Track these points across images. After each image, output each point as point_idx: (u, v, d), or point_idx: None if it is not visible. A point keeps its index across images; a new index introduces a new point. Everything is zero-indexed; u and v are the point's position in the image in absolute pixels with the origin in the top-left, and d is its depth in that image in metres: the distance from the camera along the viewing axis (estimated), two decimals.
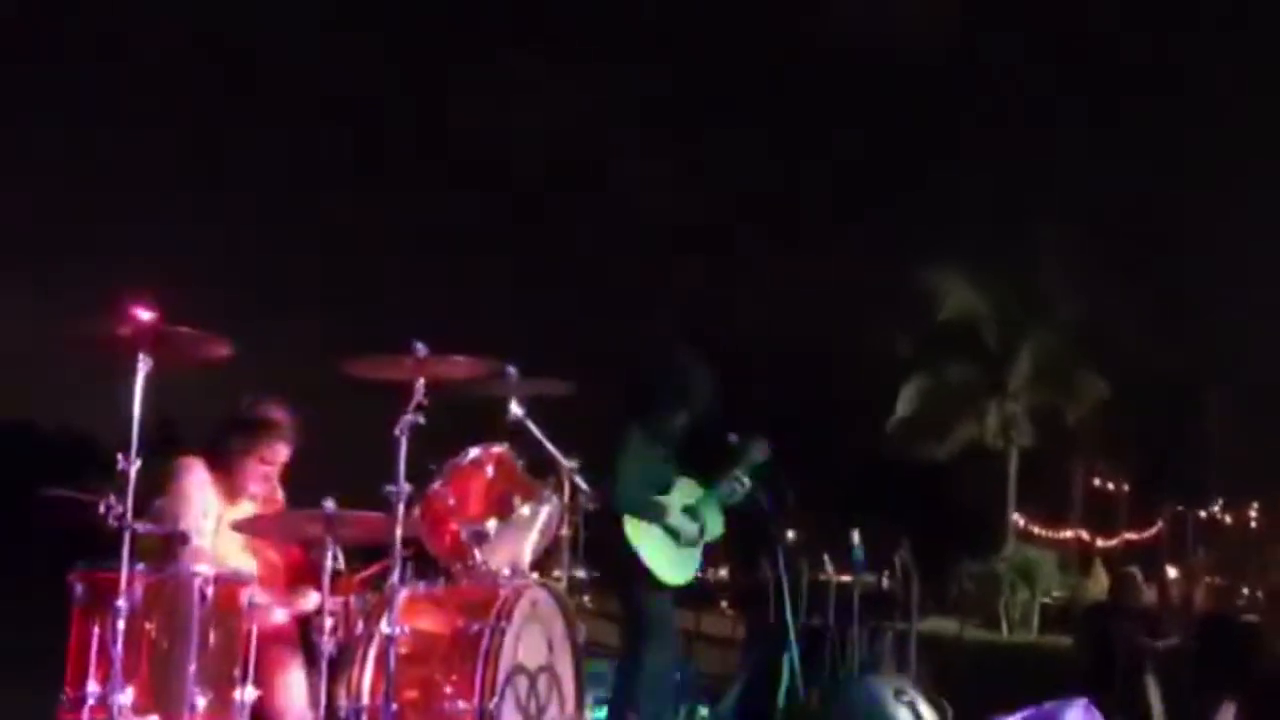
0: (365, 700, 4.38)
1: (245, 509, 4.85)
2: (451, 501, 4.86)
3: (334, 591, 4.49)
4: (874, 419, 27.64)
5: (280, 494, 5.03)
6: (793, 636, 6.79)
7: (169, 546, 4.36)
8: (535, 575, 4.94)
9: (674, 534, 6.22)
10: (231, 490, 4.86)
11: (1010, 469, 27.41)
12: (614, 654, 6.65)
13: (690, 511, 6.32)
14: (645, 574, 6.07)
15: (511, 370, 5.06)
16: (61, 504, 4.46)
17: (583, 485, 5.23)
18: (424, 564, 4.97)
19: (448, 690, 4.40)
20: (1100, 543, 28.81)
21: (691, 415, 6.39)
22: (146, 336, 4.05)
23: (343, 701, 4.36)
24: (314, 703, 4.34)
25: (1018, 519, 27.34)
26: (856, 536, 8.22)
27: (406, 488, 4.34)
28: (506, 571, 4.77)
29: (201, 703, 4.04)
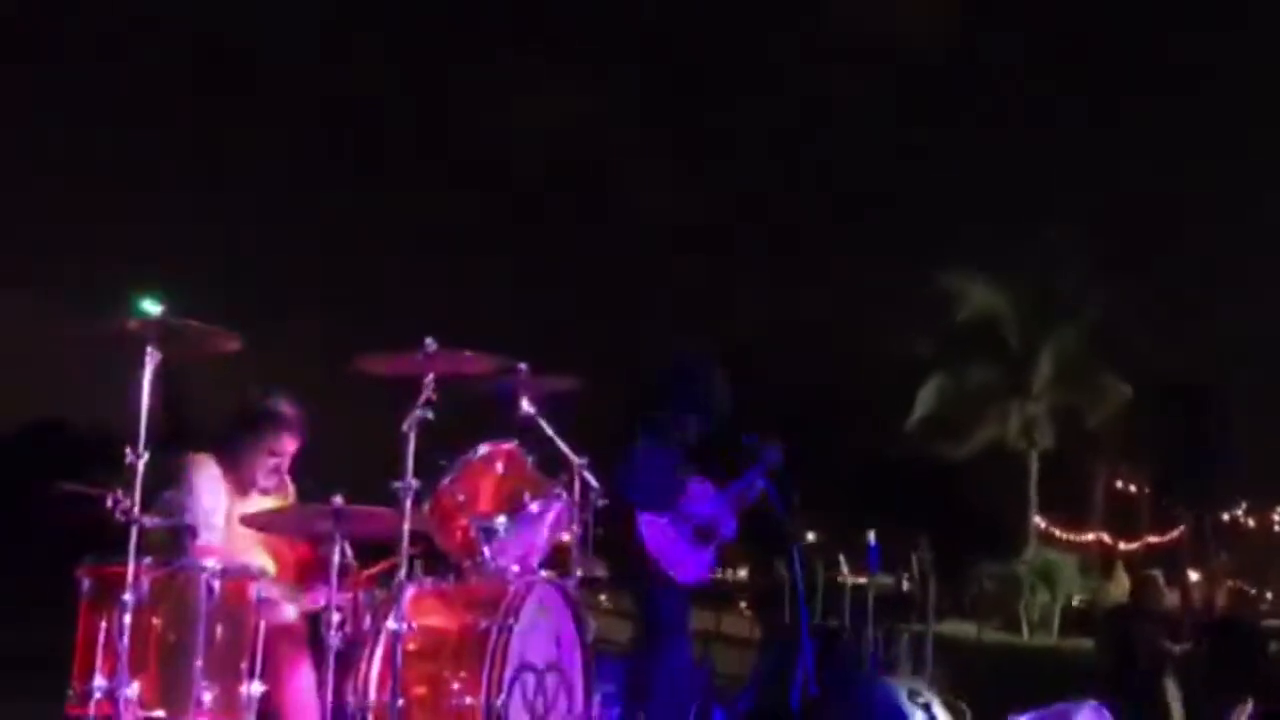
0: (372, 696, 4.37)
1: (255, 503, 4.83)
2: (461, 498, 4.85)
3: (343, 587, 4.47)
4: (893, 420, 27.55)
5: (290, 487, 5.02)
6: (807, 637, 6.75)
7: (177, 540, 4.35)
8: (545, 572, 4.92)
9: (687, 533, 6.19)
10: (241, 484, 4.85)
11: (1031, 471, 27.30)
12: (627, 652, 6.61)
13: (704, 511, 6.28)
14: (658, 572, 6.04)
15: (522, 367, 5.05)
16: (70, 499, 4.45)
17: (593, 482, 5.20)
18: (434, 560, 4.95)
19: (455, 687, 4.39)
20: (1122, 545, 28.66)
21: (709, 422, 6.35)
22: (153, 331, 4.05)
23: (350, 697, 4.35)
24: (322, 698, 4.32)
25: (1039, 521, 27.22)
26: (873, 537, 8.18)
27: (414, 483, 4.32)
28: (515, 568, 4.75)
29: (208, 697, 4.03)
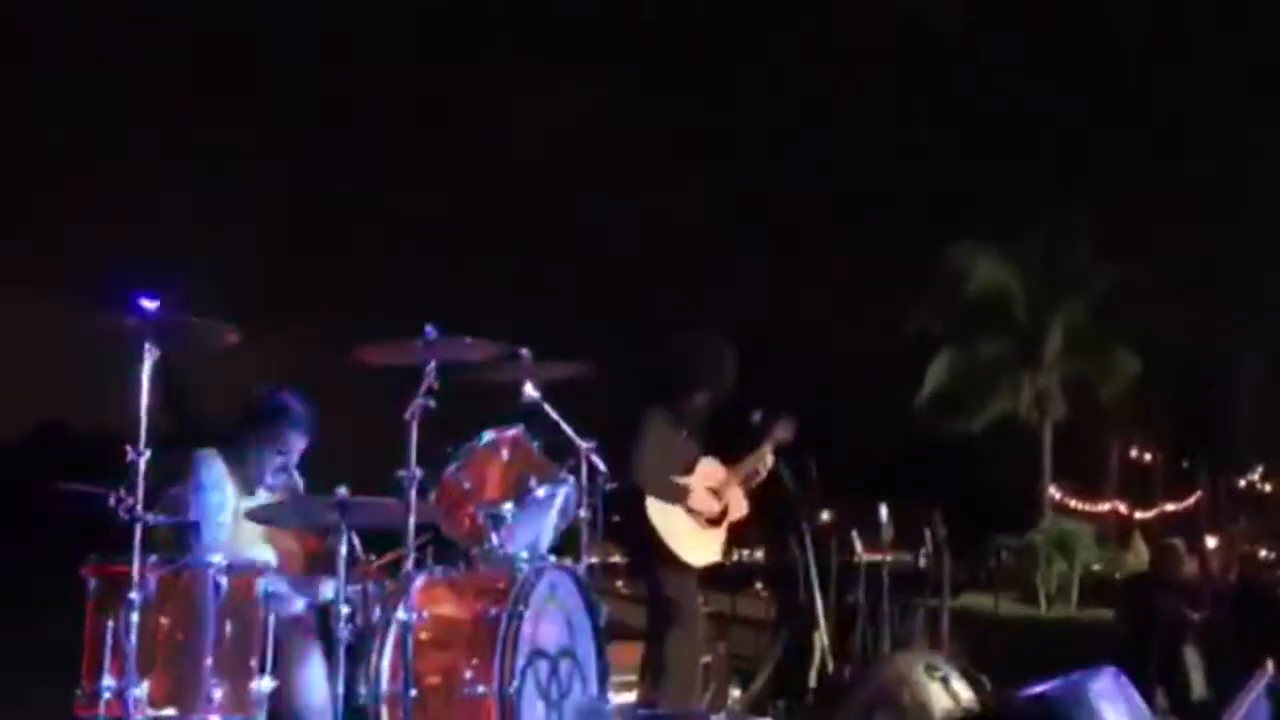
0: (384, 687, 4.34)
1: (263, 500, 4.81)
2: (468, 485, 4.82)
3: (352, 579, 4.44)
4: (905, 395, 27.53)
5: (299, 484, 5.00)
6: (821, 615, 6.72)
7: (182, 538, 4.33)
8: (554, 558, 4.89)
9: (697, 514, 6.16)
10: (248, 481, 4.82)
11: (1045, 442, 27.27)
12: (643, 637, 6.58)
13: (713, 492, 6.25)
14: (669, 555, 6.01)
15: (525, 352, 5.01)
16: (73, 498, 4.43)
17: (600, 466, 5.17)
18: (445, 549, 4.93)
19: (467, 675, 4.35)
20: (1138, 514, 28.62)
21: (713, 393, 6.32)
22: (151, 327, 4.01)
23: (362, 689, 4.32)
24: (332, 691, 4.30)
25: (1053, 492, 27.19)
26: (884, 512, 8.14)
27: (418, 472, 4.29)
28: (524, 554, 4.72)
29: (218, 694, 4.00)
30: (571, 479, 5.04)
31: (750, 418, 6.49)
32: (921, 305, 27.60)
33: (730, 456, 6.42)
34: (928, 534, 9.40)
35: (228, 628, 4.07)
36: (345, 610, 4.23)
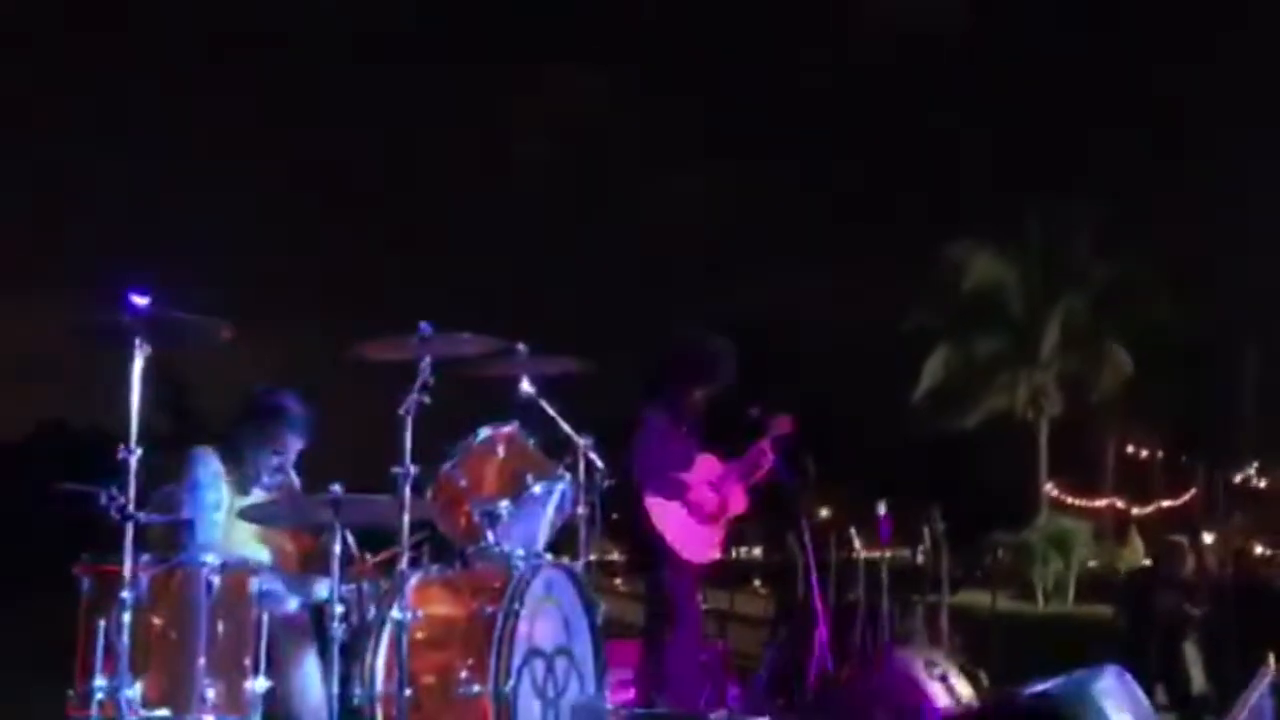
0: (379, 687, 4.30)
1: (258, 499, 4.77)
2: (464, 483, 4.78)
3: (347, 578, 4.40)
4: (903, 392, 27.52)
5: (296, 484, 4.96)
6: (820, 612, 6.69)
7: (175, 536, 4.29)
8: (550, 556, 4.84)
9: (695, 511, 6.12)
10: (244, 480, 4.79)
11: (1041, 438, 27.26)
12: (640, 635, 6.54)
13: (712, 488, 6.21)
14: (668, 552, 5.97)
15: (521, 347, 4.97)
16: (67, 497, 4.38)
17: (598, 462, 5.12)
18: (440, 547, 4.89)
19: (463, 675, 4.31)
20: (1135, 510, 28.60)
21: (710, 389, 6.28)
22: (143, 323, 3.96)
23: (357, 689, 4.28)
24: (327, 690, 4.25)
25: (1050, 489, 27.18)
26: (883, 507, 8.10)
27: (413, 469, 4.24)
28: (520, 552, 4.68)
29: (212, 694, 3.96)
30: (569, 476, 4.99)
31: (748, 413, 6.45)
32: (919, 302, 27.60)
33: (729, 452, 6.38)
34: (926, 531, 9.38)
35: (221, 627, 4.03)
36: (340, 609, 4.19)
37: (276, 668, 4.24)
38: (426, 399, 4.33)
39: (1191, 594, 9.77)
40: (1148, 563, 14.82)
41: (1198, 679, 8.92)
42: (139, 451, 3.91)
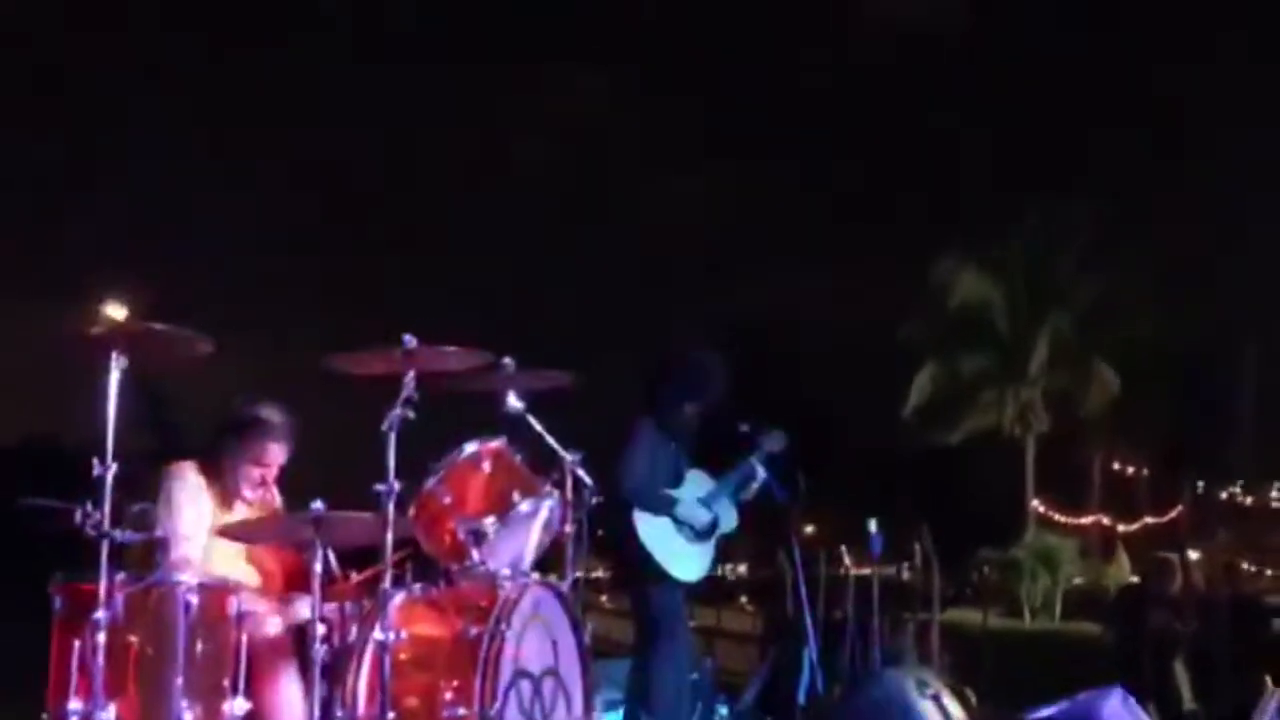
0: (361, 710, 4.19)
1: (240, 515, 4.67)
2: (448, 500, 4.67)
3: (329, 597, 4.30)
4: (890, 410, 27.53)
5: (278, 499, 4.86)
6: (810, 629, 6.60)
7: (152, 554, 4.18)
8: (537, 574, 4.74)
9: (686, 528, 6.04)
10: (225, 495, 4.69)
11: (1028, 455, 27.28)
12: (629, 653, 6.46)
13: (703, 504, 6.13)
14: (656, 570, 5.89)
15: (508, 361, 4.88)
16: (39, 514, 4.28)
17: (586, 479, 5.03)
18: (425, 565, 4.79)
19: (448, 697, 4.21)
20: (1121, 527, 28.62)
21: (701, 404, 6.21)
22: (119, 336, 3.87)
23: (338, 712, 4.18)
24: (309, 714, 4.15)
25: (1037, 505, 27.19)
26: (874, 525, 8.04)
27: (396, 485, 4.15)
28: (507, 571, 4.58)
29: (190, 717, 3.88)
30: (556, 493, 4.89)
31: (738, 429, 6.38)
32: (907, 318, 27.64)
33: (720, 468, 6.30)
34: (917, 548, 9.32)
35: (199, 647, 3.95)
36: (321, 629, 4.09)
37: (255, 689, 4.14)
38: (410, 414, 4.24)
39: (1180, 611, 9.75)
40: (1136, 580, 14.82)
41: (1186, 697, 8.89)
42: (114, 467, 3.82)
